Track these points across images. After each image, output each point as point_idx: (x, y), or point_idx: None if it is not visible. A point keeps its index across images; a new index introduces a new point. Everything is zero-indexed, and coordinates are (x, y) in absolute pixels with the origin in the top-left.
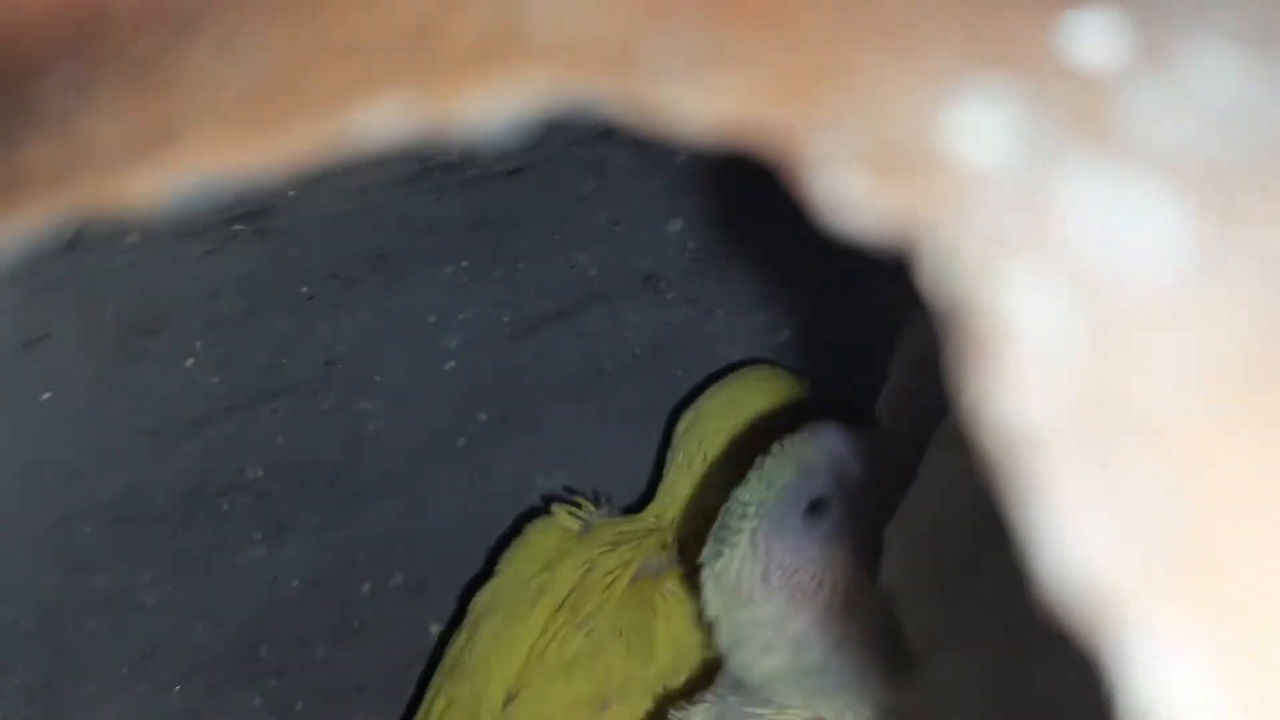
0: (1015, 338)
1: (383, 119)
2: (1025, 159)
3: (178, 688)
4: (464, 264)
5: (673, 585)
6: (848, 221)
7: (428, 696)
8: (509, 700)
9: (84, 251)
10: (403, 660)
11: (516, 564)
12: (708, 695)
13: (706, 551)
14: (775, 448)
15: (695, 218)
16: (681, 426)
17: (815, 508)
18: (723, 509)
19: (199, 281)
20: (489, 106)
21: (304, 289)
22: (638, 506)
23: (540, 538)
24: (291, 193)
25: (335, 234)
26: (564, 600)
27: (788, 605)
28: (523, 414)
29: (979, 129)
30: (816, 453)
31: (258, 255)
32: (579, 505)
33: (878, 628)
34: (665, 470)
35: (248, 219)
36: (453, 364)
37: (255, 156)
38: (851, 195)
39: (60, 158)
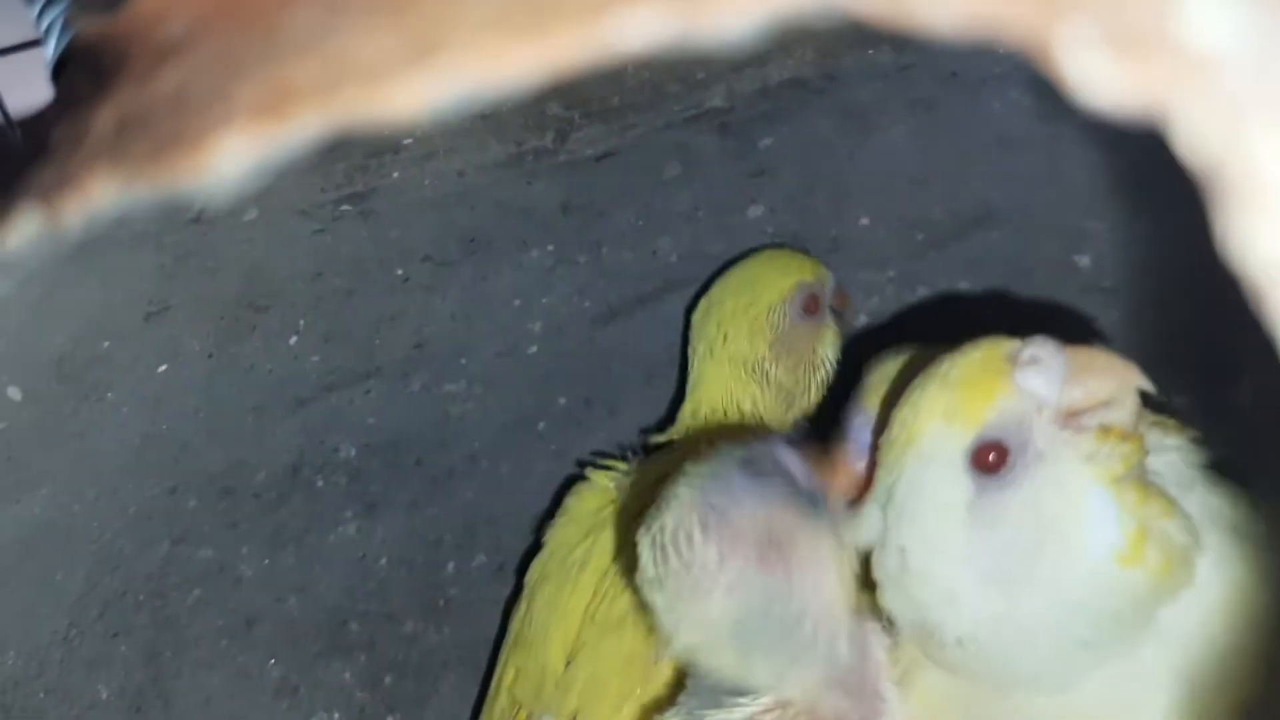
0: (1268, 187)
1: (641, 25)
2: (1254, 42)
3: (273, 660)
4: (550, 248)
5: None
6: (1098, 98)
7: (497, 669)
8: (569, 663)
9: (208, 225)
10: (485, 637)
11: (560, 533)
12: (678, 701)
13: (646, 519)
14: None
15: (776, 203)
16: (698, 315)
17: (747, 464)
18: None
19: (306, 260)
20: (742, 11)
21: (399, 271)
22: None
23: (579, 504)
24: (396, 174)
25: (433, 216)
26: (610, 564)
27: (723, 550)
28: (602, 399)
29: (1212, 18)
30: (759, 443)
31: (361, 236)
32: (611, 467)
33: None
34: (689, 365)
35: (354, 199)
36: (535, 348)
37: (519, 64)
38: (1100, 75)
39: (323, 74)
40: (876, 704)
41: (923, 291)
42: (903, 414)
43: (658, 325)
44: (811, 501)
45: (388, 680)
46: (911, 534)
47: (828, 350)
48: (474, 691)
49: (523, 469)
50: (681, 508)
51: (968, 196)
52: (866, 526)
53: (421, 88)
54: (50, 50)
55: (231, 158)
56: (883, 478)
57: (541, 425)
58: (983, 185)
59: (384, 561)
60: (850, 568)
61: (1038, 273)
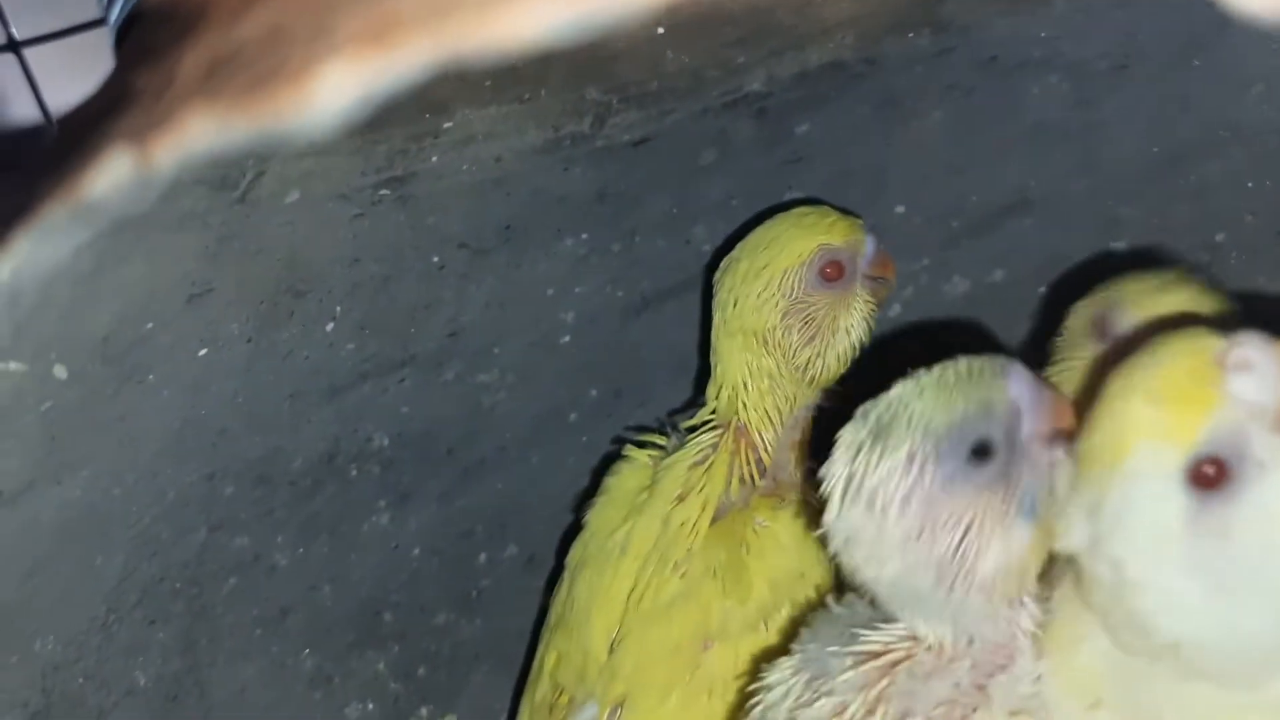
0: None
1: None
2: None
3: (307, 650)
4: (584, 236)
5: (762, 517)
6: (1250, 7)
7: (539, 650)
8: (613, 649)
9: (251, 206)
10: (516, 630)
11: (600, 515)
12: (792, 647)
13: (859, 413)
14: (961, 367)
15: (811, 191)
16: (718, 275)
17: (980, 452)
18: (885, 397)
19: (345, 245)
20: None
21: (436, 258)
22: None
23: (619, 484)
24: (434, 158)
25: (470, 203)
26: (651, 551)
27: (917, 531)
28: (633, 390)
29: None
30: (998, 395)
31: (398, 221)
32: (645, 444)
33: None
34: (712, 336)
35: (393, 183)
36: (567, 338)
37: None
38: None
39: (431, 2)
40: (997, 670)
41: (958, 280)
42: (1106, 426)
43: (690, 316)
44: (1023, 505)
45: (421, 672)
46: (1127, 548)
47: (853, 320)
48: (506, 683)
49: (554, 460)
50: (897, 464)
51: (1003, 184)
52: (1073, 533)
53: (532, 14)
54: (114, 13)
55: (337, 88)
56: (1087, 488)
57: (573, 416)
58: (1019, 172)
59: (416, 552)
60: (1037, 566)
61: (1074, 260)
